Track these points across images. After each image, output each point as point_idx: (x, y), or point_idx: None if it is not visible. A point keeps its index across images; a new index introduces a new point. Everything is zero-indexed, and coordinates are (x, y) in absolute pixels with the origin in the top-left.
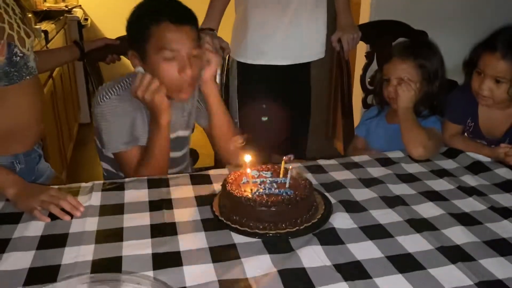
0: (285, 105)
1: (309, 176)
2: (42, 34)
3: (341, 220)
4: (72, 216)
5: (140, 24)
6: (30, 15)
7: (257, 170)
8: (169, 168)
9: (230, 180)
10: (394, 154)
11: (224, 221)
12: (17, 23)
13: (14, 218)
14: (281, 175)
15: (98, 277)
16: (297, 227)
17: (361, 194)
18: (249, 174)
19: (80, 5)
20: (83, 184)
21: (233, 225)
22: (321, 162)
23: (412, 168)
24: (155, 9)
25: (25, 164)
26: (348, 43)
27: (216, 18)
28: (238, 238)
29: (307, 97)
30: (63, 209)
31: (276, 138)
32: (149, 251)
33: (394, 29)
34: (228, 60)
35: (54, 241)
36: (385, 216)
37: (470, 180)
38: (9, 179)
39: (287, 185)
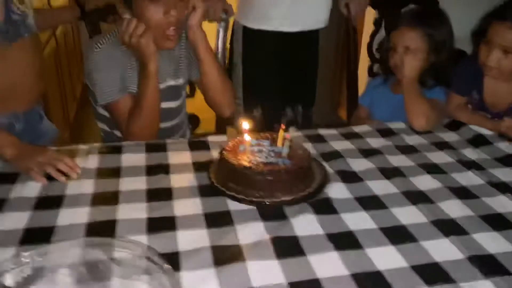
0: (291, 73)
1: (309, 145)
2: None
3: (337, 190)
4: (68, 177)
5: None
6: None
7: (255, 138)
8: (164, 121)
9: (227, 148)
10: (395, 125)
11: (220, 187)
12: None
13: (11, 178)
14: (279, 144)
15: (90, 242)
16: (292, 196)
17: (359, 164)
18: (247, 141)
19: None
20: (81, 146)
21: (228, 192)
22: (322, 131)
23: (413, 140)
24: None
25: (25, 123)
26: (355, 8)
27: None
28: (233, 205)
29: (314, 66)
30: (59, 170)
31: (281, 107)
32: (144, 215)
33: None
34: (233, 24)
35: (50, 202)
36: (381, 187)
37: (471, 153)
38: (7, 140)
39: (284, 154)
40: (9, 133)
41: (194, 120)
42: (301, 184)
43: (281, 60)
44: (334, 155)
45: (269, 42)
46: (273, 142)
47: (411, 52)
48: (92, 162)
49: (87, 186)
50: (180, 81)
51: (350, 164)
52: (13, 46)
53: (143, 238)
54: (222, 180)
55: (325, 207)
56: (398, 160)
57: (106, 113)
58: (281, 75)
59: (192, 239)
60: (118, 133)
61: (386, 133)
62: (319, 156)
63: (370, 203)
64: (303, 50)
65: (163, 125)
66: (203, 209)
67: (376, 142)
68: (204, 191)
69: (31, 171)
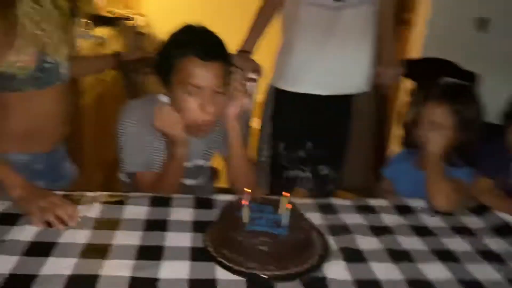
0: (321, 138)
1: (317, 215)
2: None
3: (335, 270)
4: (66, 225)
5: (168, 53)
6: (85, 21)
7: (258, 203)
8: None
9: (226, 210)
10: (415, 202)
11: (212, 252)
12: (56, 32)
13: (12, 220)
14: (281, 212)
15: None
16: (286, 272)
17: (366, 242)
18: (247, 207)
19: (143, 14)
20: (88, 193)
21: (219, 259)
22: (335, 201)
23: (431, 221)
24: (185, 40)
25: (46, 164)
26: (387, 78)
27: (253, 41)
28: (221, 274)
29: (345, 132)
30: (59, 217)
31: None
32: (127, 273)
33: (442, 67)
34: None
35: (40, 249)
36: (385, 271)
37: (493, 243)
38: (16, 181)
39: (283, 224)
40: (19, 174)
41: (213, 173)
42: (297, 258)
43: (310, 122)
44: (341, 230)
45: (300, 104)
46: (276, 209)
47: (437, 127)
48: (94, 211)
49: (81, 236)
50: (208, 162)
51: (357, 241)
52: (41, 93)
53: None
54: (215, 245)
55: None
56: (410, 242)
57: (126, 179)
58: (309, 137)
59: None
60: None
61: (403, 210)
62: (326, 228)
63: None
64: (333, 114)
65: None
66: (189, 274)
67: (390, 219)
68: (196, 254)
69: (31, 215)
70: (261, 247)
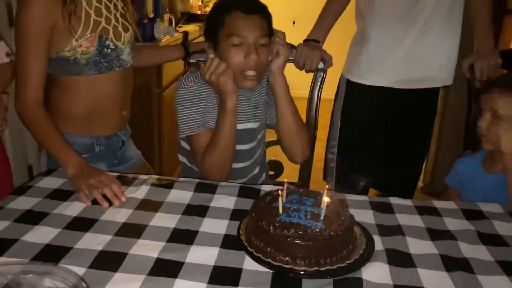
0: (396, 136)
1: (369, 213)
2: (175, 34)
3: (375, 272)
4: (111, 203)
5: (215, 14)
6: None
7: (300, 195)
8: (234, 162)
9: (263, 200)
10: (489, 207)
11: (244, 241)
12: (116, 18)
13: (64, 196)
14: (322, 205)
15: (31, 266)
16: (316, 268)
17: (419, 246)
18: (283, 197)
19: None
20: (141, 176)
21: (249, 249)
22: (393, 200)
23: (505, 229)
24: (230, 1)
25: (105, 147)
26: (482, 71)
27: (324, 30)
28: (249, 264)
29: (426, 129)
30: (105, 196)
31: (378, 174)
32: (155, 254)
33: None
34: (340, 79)
35: (81, 224)
36: (434, 280)
37: None
38: (72, 159)
39: (321, 217)
40: (76, 153)
41: (277, 167)
42: (330, 255)
43: (384, 118)
44: (392, 230)
45: (373, 97)
46: (318, 202)
47: (504, 120)
48: (141, 192)
49: (122, 215)
50: (257, 125)
51: (408, 244)
52: (102, 77)
53: (140, 278)
54: (248, 234)
55: None
56: (473, 251)
57: (187, 146)
58: (384, 136)
59: None
60: (195, 168)
61: (472, 215)
62: (375, 227)
63: None
64: (412, 110)
65: (233, 166)
66: (216, 261)
67: (454, 223)
68: (228, 242)
69: (80, 192)
70: (292, 240)
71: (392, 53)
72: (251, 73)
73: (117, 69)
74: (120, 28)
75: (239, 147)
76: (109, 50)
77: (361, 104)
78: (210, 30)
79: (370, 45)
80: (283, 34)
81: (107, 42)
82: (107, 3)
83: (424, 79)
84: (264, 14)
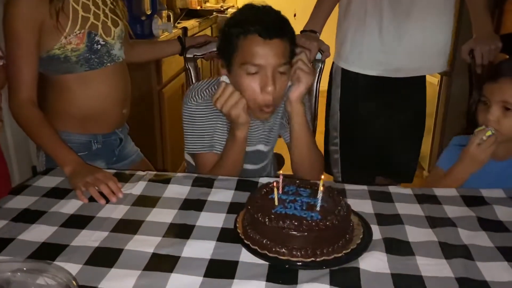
0: (394, 122)
1: (368, 202)
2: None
3: (372, 261)
4: (108, 200)
5: (229, 33)
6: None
7: (297, 186)
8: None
9: (258, 193)
10: (491, 193)
11: (240, 234)
12: (104, 13)
13: (61, 194)
14: (318, 195)
15: (23, 265)
16: (312, 259)
17: (418, 234)
18: (279, 189)
19: (236, 6)
20: (138, 172)
21: (246, 241)
22: (392, 189)
23: (507, 214)
24: (246, 19)
25: (103, 145)
26: (482, 55)
27: (321, 20)
28: (245, 256)
29: (420, 114)
30: (102, 193)
31: (380, 158)
32: (151, 249)
33: None
34: (332, 65)
35: (77, 222)
36: (433, 268)
37: None
38: (68, 158)
39: (317, 208)
40: (73, 151)
41: (278, 160)
42: (327, 246)
43: (383, 106)
44: (391, 219)
45: (369, 86)
46: (314, 193)
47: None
48: (138, 189)
49: (119, 212)
50: (268, 148)
51: (408, 232)
52: (95, 74)
53: (135, 273)
54: (244, 226)
55: (347, 280)
56: (473, 237)
57: (191, 160)
58: (381, 121)
59: (182, 285)
60: None
61: (473, 201)
62: (373, 217)
63: (410, 285)
64: (408, 97)
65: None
66: (213, 255)
67: (454, 211)
68: (225, 235)
69: (77, 190)
70: (288, 231)
71: (386, 41)
72: (266, 106)
73: (108, 64)
74: (109, 23)
75: (248, 166)
76: (99, 46)
77: (359, 92)
78: (224, 49)
79: (364, 34)
80: (307, 54)
81: (97, 38)
82: None
83: (420, 66)
84: (286, 36)
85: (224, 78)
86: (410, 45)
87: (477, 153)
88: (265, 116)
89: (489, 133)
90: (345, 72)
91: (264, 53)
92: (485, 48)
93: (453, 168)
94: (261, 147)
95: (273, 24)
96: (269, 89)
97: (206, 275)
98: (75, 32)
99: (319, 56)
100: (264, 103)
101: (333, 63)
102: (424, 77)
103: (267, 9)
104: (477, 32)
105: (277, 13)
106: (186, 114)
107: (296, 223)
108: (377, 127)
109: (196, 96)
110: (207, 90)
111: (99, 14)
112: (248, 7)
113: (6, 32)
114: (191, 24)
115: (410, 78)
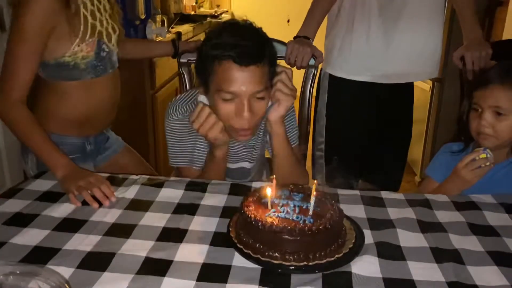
0: (380, 129)
1: (360, 207)
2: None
3: (364, 265)
4: (101, 204)
5: (205, 56)
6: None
7: (289, 190)
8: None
9: (251, 197)
10: (481, 198)
11: (233, 238)
12: (106, 19)
13: (54, 198)
14: (311, 200)
15: (16, 269)
16: (305, 263)
17: (409, 239)
18: (272, 194)
19: (230, 12)
20: (132, 176)
21: (239, 245)
22: (384, 194)
23: (497, 219)
24: (221, 43)
25: (94, 145)
26: (472, 61)
27: (314, 27)
28: (238, 261)
29: (407, 122)
30: (95, 197)
31: (366, 164)
32: (143, 254)
33: None
34: (321, 71)
35: (70, 225)
36: (425, 272)
37: None
38: (60, 162)
39: (310, 212)
40: (64, 155)
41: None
42: (319, 250)
43: (369, 113)
44: (383, 224)
45: (356, 92)
46: (307, 197)
47: (505, 115)
48: (131, 192)
49: (112, 216)
50: (252, 165)
51: (400, 236)
52: (97, 80)
53: (128, 277)
54: (237, 230)
55: (340, 284)
56: (463, 242)
57: None
58: (367, 128)
59: None
60: None
61: (463, 206)
62: (365, 221)
63: None
64: (395, 104)
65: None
66: (205, 259)
67: (444, 215)
68: (218, 239)
69: (70, 193)
70: (280, 235)
71: (374, 47)
72: (243, 130)
73: (110, 70)
74: (110, 30)
75: (233, 180)
76: (105, 53)
77: (346, 98)
78: (200, 70)
79: (352, 40)
80: (288, 74)
81: (103, 45)
82: (98, 4)
83: (409, 73)
84: (264, 61)
85: (202, 98)
86: (398, 51)
87: (464, 174)
88: (243, 138)
89: (483, 155)
90: (332, 78)
91: (240, 80)
92: (475, 54)
93: (443, 185)
94: (245, 164)
95: (249, 49)
96: (245, 115)
97: (199, 279)
98: (87, 40)
99: (312, 62)
100: (241, 128)
101: (321, 69)
102: (412, 84)
103: (246, 30)
104: (467, 39)
105: (257, 34)
106: (167, 128)
107: (289, 227)
108: (363, 133)
109: (177, 112)
110: (187, 106)
111: (102, 20)
112: (227, 26)
113: (15, 28)
114: (185, 29)
115: (398, 85)
